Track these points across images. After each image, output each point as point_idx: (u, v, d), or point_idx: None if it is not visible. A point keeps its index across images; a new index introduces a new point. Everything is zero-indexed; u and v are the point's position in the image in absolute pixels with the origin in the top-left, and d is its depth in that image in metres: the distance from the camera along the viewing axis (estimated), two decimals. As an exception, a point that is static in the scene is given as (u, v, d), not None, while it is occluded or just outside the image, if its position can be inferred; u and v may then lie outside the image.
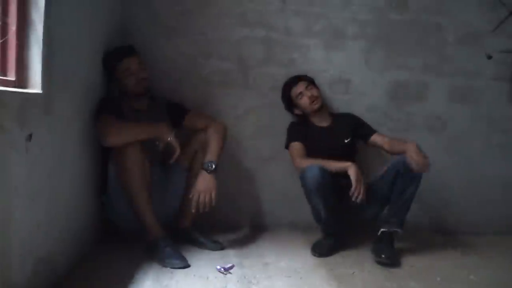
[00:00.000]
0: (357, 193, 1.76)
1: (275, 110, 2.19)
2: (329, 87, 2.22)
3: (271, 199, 2.26)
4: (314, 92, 2.05)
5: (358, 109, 2.20)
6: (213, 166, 1.74)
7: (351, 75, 2.23)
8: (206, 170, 1.73)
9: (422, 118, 2.27)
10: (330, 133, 2.06)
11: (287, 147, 2.03)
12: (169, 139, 1.73)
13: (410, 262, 1.80)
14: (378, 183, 1.91)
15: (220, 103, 2.18)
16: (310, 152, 1.96)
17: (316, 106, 2.03)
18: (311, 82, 2.09)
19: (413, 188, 1.83)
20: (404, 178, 1.81)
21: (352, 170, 1.79)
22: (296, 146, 1.98)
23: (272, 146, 2.21)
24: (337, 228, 1.93)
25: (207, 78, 2.17)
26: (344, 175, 1.81)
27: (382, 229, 1.87)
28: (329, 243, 1.89)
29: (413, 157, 1.77)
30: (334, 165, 1.82)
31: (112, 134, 1.64)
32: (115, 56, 1.83)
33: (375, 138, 2.02)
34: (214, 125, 1.86)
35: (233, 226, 2.18)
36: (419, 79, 2.25)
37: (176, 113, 1.92)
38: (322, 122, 2.09)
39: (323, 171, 1.75)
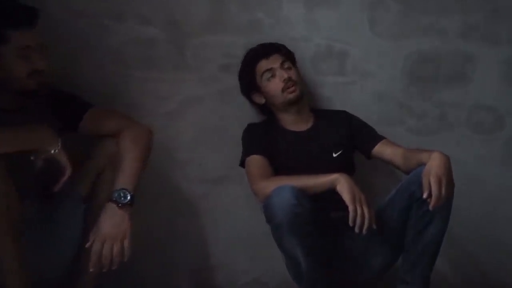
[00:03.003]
0: (360, 219, 1.72)
1: (228, 102, 2.18)
2: (313, 65, 2.21)
3: (224, 245, 2.24)
4: (293, 74, 2.05)
5: (360, 99, 2.21)
6: (128, 197, 1.71)
7: (348, 46, 2.22)
8: (117, 203, 1.70)
9: (462, 111, 2.26)
10: (310, 141, 2.06)
11: (242, 163, 2.02)
12: (53, 151, 1.69)
13: None
14: (384, 214, 1.88)
15: (140, 93, 2.16)
16: (279, 172, 1.95)
17: (292, 96, 2.02)
18: (290, 58, 2.09)
19: (439, 223, 1.79)
20: (423, 207, 1.77)
21: (342, 184, 1.76)
22: (256, 161, 1.97)
23: (224, 159, 2.20)
24: (327, 288, 1.92)
25: (119, 53, 2.13)
26: (334, 202, 1.79)
27: (396, 292, 1.87)
28: (316, 313, 1.89)
29: (428, 179, 1.71)
30: (314, 182, 1.80)
31: None
32: (5, 19, 1.73)
33: (381, 148, 2.01)
34: (131, 129, 1.84)
35: (164, 288, 2.15)
36: (457, 48, 2.24)
37: (69, 110, 1.88)
38: (299, 123, 2.09)
39: (299, 194, 1.73)
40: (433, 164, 1.72)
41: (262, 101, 2.08)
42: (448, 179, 1.71)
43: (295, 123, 2.08)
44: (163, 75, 2.16)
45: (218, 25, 2.16)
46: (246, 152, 2.01)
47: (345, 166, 2.02)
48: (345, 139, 2.05)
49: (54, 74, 1.92)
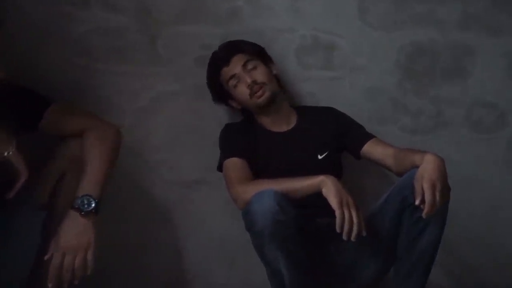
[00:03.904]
0: (348, 225, 1.70)
1: (205, 98, 2.13)
2: (298, 58, 2.19)
3: (201, 255, 2.23)
4: (258, 75, 2.01)
5: (349, 95, 2.20)
6: (92, 204, 1.66)
7: (336, 37, 2.20)
8: (80, 211, 1.66)
9: (461, 109, 2.25)
10: (293, 143, 2.05)
11: (220, 167, 2.00)
12: (6, 153, 1.65)
13: None
14: (374, 220, 1.86)
15: (108, 88, 2.12)
16: (260, 176, 1.94)
17: (260, 100, 2.00)
18: (254, 54, 2.05)
19: (434, 230, 1.77)
20: (416, 213, 1.74)
21: (328, 187, 1.73)
22: (234, 164, 1.94)
23: (201, 161, 2.17)
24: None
25: (83, 44, 2.09)
26: (320, 206, 1.77)
27: (388, 307, 1.84)
28: (300, 330, 1.86)
29: (421, 184, 1.68)
30: (297, 185, 1.78)
31: None
32: None
33: (370, 148, 1.99)
34: (97, 128, 1.80)
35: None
36: (455, 40, 2.22)
37: (26, 108, 1.83)
38: (280, 124, 2.08)
39: (281, 199, 1.70)
40: (427, 168, 1.68)
41: (239, 106, 2.09)
42: (442, 185, 1.67)
43: (275, 123, 2.07)
44: (133, 68, 2.13)
45: (194, 13, 2.13)
46: (224, 155, 1.98)
47: (332, 169, 1.98)
48: (332, 139, 2.04)
49: (10, 68, 1.85)
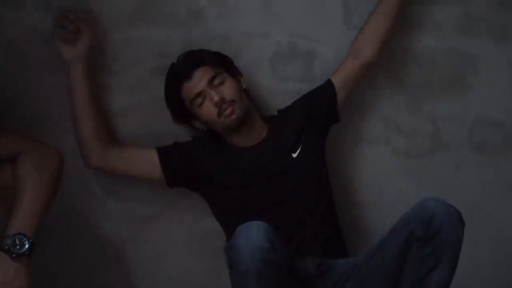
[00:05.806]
0: None
1: (162, 116, 2.09)
2: (272, 68, 2.15)
3: None
4: (226, 91, 1.97)
5: None
6: (26, 245, 1.60)
7: (316, 44, 2.15)
8: (10, 253, 1.59)
9: (462, 127, 2.21)
10: (266, 151, 2.04)
11: (168, 183, 2.05)
12: None
13: None
14: (374, 260, 1.82)
15: (45, 103, 2.07)
16: (233, 203, 1.97)
17: (230, 121, 1.98)
18: (221, 67, 2.01)
19: (445, 270, 1.71)
20: (426, 249, 1.69)
21: None
22: (151, 151, 2.03)
23: (157, 192, 2.10)
24: None
25: (15, 49, 2.04)
26: (309, 244, 1.85)
27: None
28: None
29: None
30: None
31: None
32: None
33: (339, 88, 2.05)
34: (33, 152, 1.76)
35: None
36: (455, 47, 2.17)
37: None
38: (251, 139, 2.05)
39: (272, 234, 1.69)
40: None
41: (204, 127, 2.05)
42: None
43: (247, 139, 2.05)
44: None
45: (149, 15, 2.08)
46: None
47: (310, 163, 2.04)
48: (301, 130, 2.05)
49: None
